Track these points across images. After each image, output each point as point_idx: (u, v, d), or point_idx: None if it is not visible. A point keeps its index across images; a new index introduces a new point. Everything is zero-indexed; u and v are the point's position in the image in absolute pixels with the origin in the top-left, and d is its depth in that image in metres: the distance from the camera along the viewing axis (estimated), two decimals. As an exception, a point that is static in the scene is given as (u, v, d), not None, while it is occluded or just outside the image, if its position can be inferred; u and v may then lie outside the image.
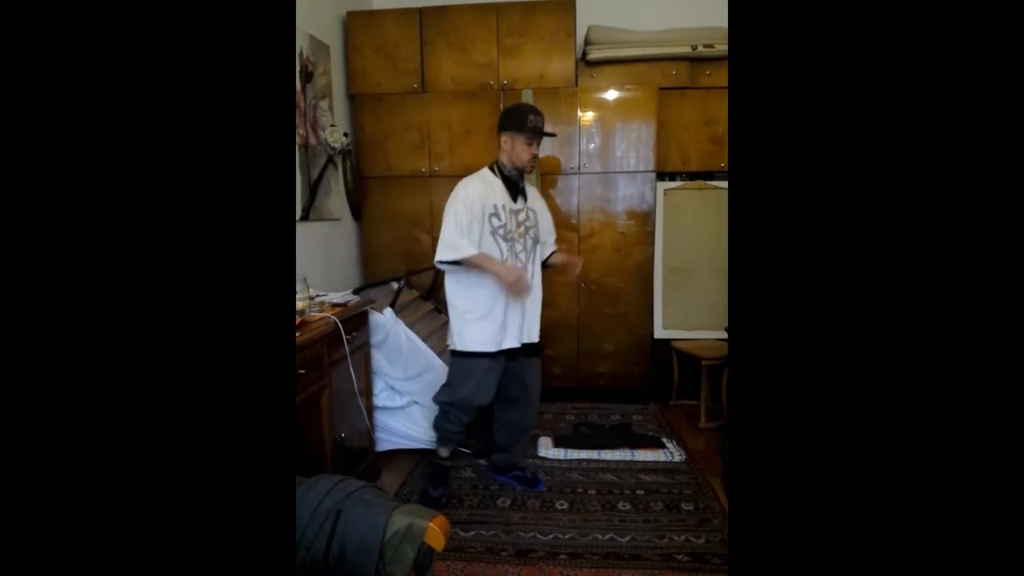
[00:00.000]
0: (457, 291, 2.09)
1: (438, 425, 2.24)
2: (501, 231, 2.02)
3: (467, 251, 1.96)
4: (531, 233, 2.12)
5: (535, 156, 2.07)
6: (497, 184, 2.07)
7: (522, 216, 2.09)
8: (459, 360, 2.12)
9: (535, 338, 2.19)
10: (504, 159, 2.07)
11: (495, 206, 2.02)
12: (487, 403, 2.15)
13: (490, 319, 2.05)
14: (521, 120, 2.01)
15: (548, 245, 2.27)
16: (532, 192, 2.20)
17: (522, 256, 2.09)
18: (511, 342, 2.09)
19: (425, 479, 2.28)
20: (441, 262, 2.02)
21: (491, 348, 2.06)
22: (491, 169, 2.11)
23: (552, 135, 2.09)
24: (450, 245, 1.99)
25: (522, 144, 2.02)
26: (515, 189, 2.09)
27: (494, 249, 2.03)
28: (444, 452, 2.25)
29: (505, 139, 2.05)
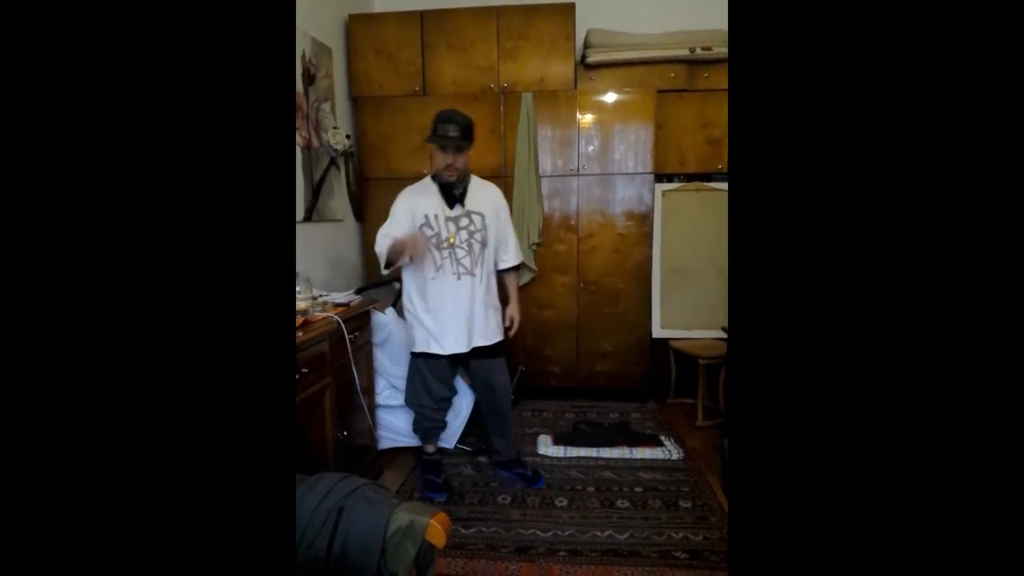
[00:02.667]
0: (407, 295, 2.22)
1: (417, 427, 2.36)
2: (434, 240, 2.09)
3: (377, 245, 2.04)
4: (477, 237, 2.12)
5: (450, 165, 2.03)
6: (433, 191, 2.12)
7: (463, 222, 2.11)
8: (413, 360, 2.29)
9: (488, 341, 2.20)
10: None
11: (426, 216, 2.09)
12: (448, 395, 2.30)
13: (432, 324, 2.15)
14: (433, 128, 2.04)
15: (507, 257, 2.25)
16: (482, 195, 2.17)
17: (465, 262, 2.11)
18: (455, 347, 2.14)
19: (422, 473, 2.35)
20: (384, 268, 2.09)
21: (432, 351, 2.17)
22: (432, 177, 2.16)
23: (457, 142, 2.01)
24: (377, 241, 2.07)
25: (436, 152, 2.05)
26: (451, 196, 2.11)
27: (428, 258, 2.10)
28: (430, 448, 2.38)
29: (432, 148, 2.10)
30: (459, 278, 2.11)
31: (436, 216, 2.09)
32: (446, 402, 2.33)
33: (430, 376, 2.23)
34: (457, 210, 2.12)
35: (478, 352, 2.21)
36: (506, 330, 2.30)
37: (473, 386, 2.34)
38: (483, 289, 2.18)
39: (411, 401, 2.33)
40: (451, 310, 2.13)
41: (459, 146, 2.04)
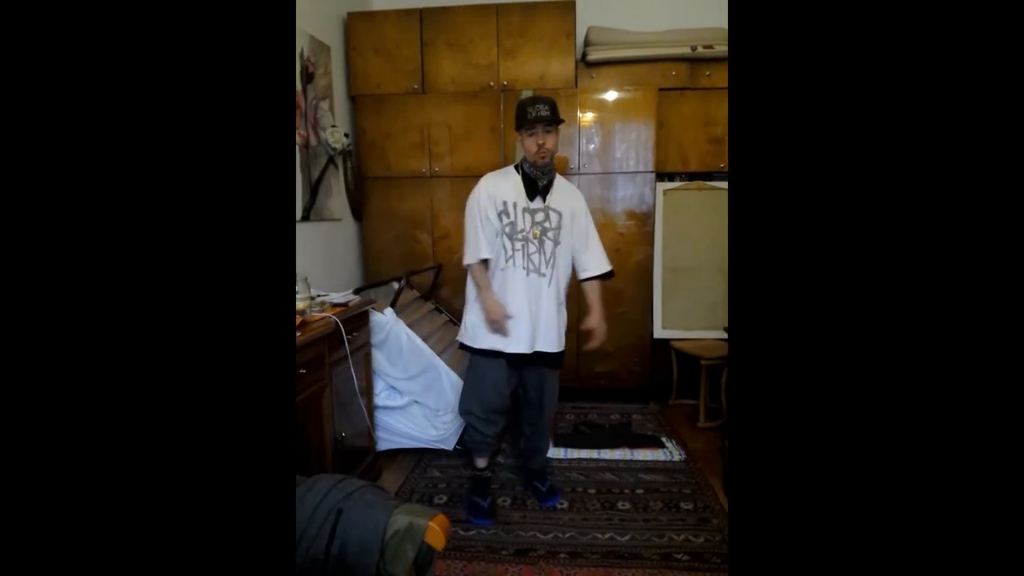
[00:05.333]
0: (472, 288, 2.11)
1: (465, 438, 2.23)
2: (508, 229, 1.98)
3: (468, 258, 2.03)
4: (550, 235, 2.00)
5: (542, 146, 1.92)
6: (515, 180, 2.01)
7: (540, 216, 1.99)
8: (470, 357, 2.14)
9: (550, 348, 2.05)
10: (525, 156, 2.01)
11: (505, 203, 1.98)
12: (500, 405, 2.11)
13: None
14: (521, 114, 1.94)
15: (588, 265, 2.07)
16: (564, 194, 2.05)
17: (535, 259, 1.99)
18: (518, 347, 2.01)
19: (469, 493, 2.18)
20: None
21: (498, 348, 2.03)
22: (516, 167, 2.06)
23: (556, 120, 1.93)
24: (466, 249, 2.05)
25: (526, 138, 1.95)
26: (534, 187, 2.00)
27: (499, 247, 2.00)
28: (480, 463, 2.21)
29: (519, 138, 2.01)
30: (528, 274, 1.99)
31: (515, 204, 1.98)
32: (496, 415, 2.13)
33: (485, 380, 2.07)
34: (537, 203, 1.99)
35: (538, 358, 2.05)
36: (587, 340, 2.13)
37: (523, 395, 2.16)
38: (553, 292, 2.02)
39: (461, 408, 2.18)
40: (516, 307, 1.99)
41: (551, 123, 1.92)
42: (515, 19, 3.04)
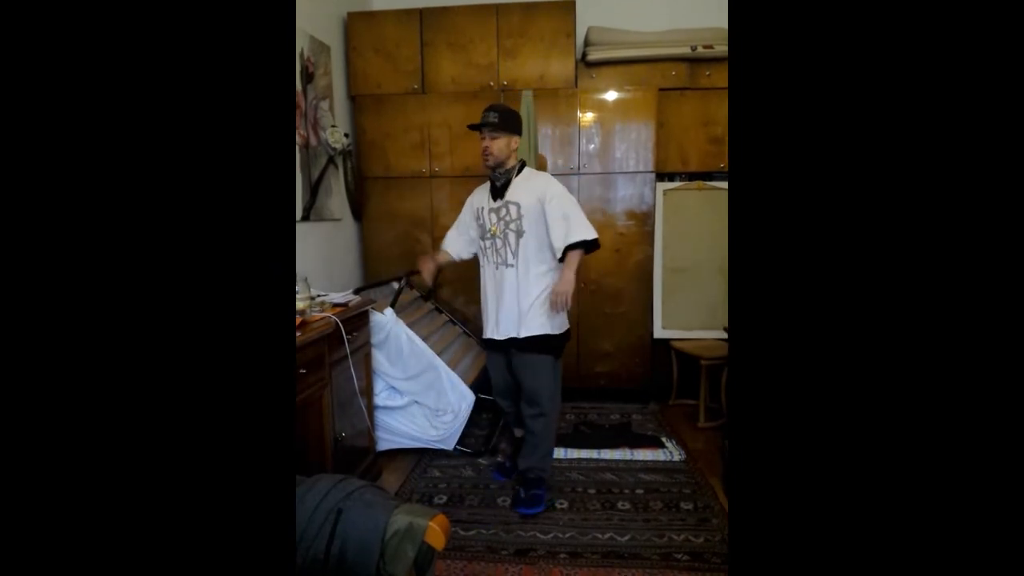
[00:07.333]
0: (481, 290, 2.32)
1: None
2: (479, 231, 2.21)
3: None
4: (512, 227, 2.09)
5: (485, 149, 2.07)
6: (487, 188, 2.22)
7: (502, 212, 2.12)
8: None
9: (521, 333, 2.10)
10: None
11: (478, 210, 2.20)
12: (501, 385, 2.32)
13: (482, 310, 2.26)
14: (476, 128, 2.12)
15: (553, 242, 2.06)
16: (525, 186, 2.11)
17: (502, 252, 2.12)
18: (492, 333, 2.20)
19: (511, 455, 2.49)
20: None
21: (484, 335, 2.26)
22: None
23: (489, 123, 2.04)
24: None
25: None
26: (495, 189, 2.17)
27: (478, 248, 2.24)
28: (517, 432, 2.46)
29: None
30: (497, 267, 2.14)
31: (483, 208, 2.18)
32: (502, 394, 2.36)
33: (488, 366, 2.36)
34: (498, 202, 2.14)
35: (515, 345, 2.13)
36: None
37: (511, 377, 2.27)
38: (524, 281, 2.09)
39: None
40: (488, 298, 2.19)
41: (492, 127, 2.03)
42: (515, 19, 3.04)
